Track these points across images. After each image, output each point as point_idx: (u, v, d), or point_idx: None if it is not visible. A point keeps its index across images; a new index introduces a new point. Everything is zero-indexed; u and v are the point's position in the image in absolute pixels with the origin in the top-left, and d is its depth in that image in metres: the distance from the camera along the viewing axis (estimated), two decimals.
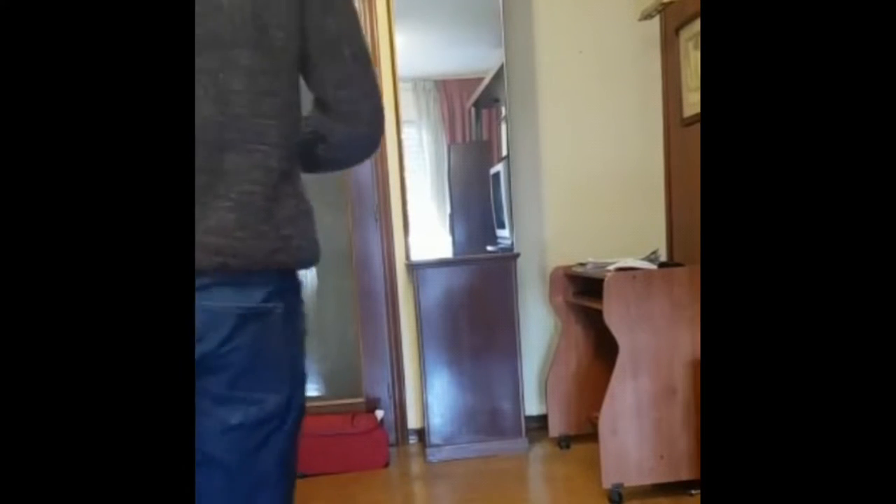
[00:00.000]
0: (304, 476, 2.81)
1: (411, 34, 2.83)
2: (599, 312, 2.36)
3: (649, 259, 2.56)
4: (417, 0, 2.78)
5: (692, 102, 2.85)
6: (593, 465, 2.45)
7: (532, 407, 3.09)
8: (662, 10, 2.94)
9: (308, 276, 3.23)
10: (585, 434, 2.89)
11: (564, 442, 2.96)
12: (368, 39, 3.02)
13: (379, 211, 3.09)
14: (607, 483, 2.32)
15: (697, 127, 2.79)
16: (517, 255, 2.79)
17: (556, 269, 2.94)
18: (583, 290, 2.85)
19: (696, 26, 2.76)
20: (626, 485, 2.32)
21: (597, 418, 2.34)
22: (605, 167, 3.15)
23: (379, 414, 2.98)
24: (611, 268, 2.45)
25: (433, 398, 2.87)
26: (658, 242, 3.12)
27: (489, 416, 2.75)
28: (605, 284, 2.31)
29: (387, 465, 2.89)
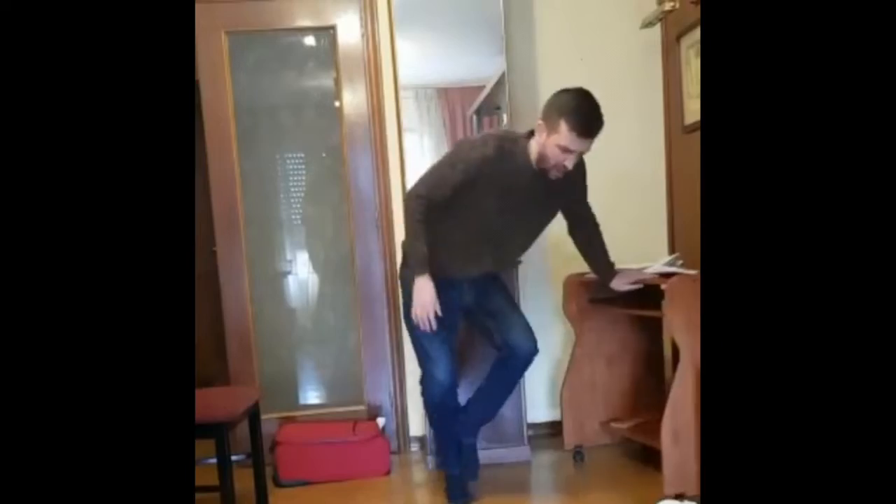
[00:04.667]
0: (306, 483, 2.81)
1: (413, 42, 2.84)
2: (617, 318, 2.33)
3: (671, 264, 2.53)
4: (419, 8, 2.79)
5: (693, 110, 2.85)
6: (596, 472, 2.44)
7: (535, 414, 3.09)
8: (664, 18, 2.95)
9: (309, 284, 3.23)
10: (601, 445, 2.90)
11: (579, 456, 2.86)
12: (370, 48, 3.03)
13: (380, 218, 3.10)
14: (669, 492, 2.31)
15: (699, 134, 2.78)
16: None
17: (570, 276, 2.88)
18: (602, 298, 2.79)
19: (698, 34, 2.77)
20: (687, 494, 2.31)
21: (615, 428, 2.31)
22: (606, 174, 3.14)
23: (380, 421, 2.97)
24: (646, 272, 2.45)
25: None
26: (660, 249, 3.12)
27: (491, 424, 2.73)
28: (668, 290, 2.29)
29: (388, 472, 2.88)
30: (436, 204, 2.21)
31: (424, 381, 2.46)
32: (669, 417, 2.31)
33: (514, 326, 2.43)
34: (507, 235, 2.31)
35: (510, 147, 2.20)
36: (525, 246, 2.44)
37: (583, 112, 2.11)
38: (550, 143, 2.12)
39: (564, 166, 2.14)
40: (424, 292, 2.22)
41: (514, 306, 2.53)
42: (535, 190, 2.23)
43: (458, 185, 2.17)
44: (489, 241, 2.29)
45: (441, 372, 2.37)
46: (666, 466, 2.31)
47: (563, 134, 2.09)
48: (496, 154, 2.16)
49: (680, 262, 2.58)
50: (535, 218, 2.36)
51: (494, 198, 2.19)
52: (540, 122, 2.15)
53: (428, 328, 2.24)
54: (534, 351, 2.45)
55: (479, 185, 2.16)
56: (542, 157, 2.16)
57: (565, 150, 2.10)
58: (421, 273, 2.22)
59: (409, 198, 2.26)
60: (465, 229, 2.26)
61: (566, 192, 2.33)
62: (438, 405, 2.46)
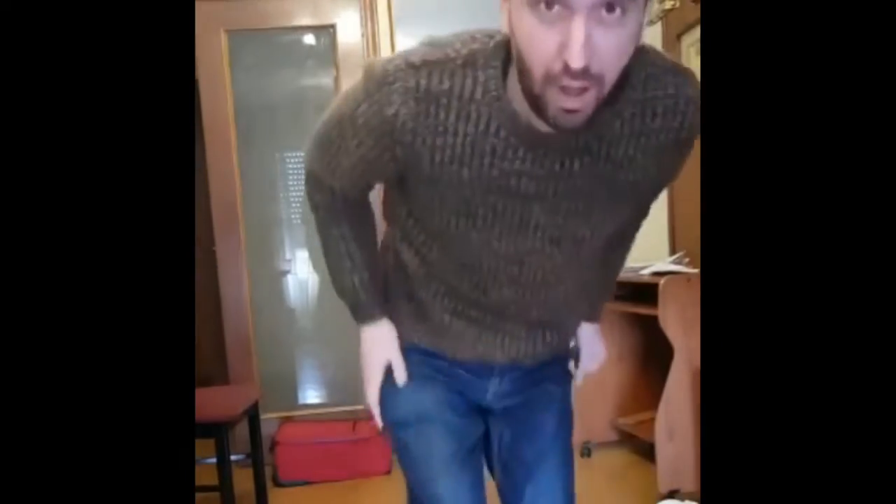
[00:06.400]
0: (306, 483, 2.81)
1: (413, 41, 2.83)
2: (624, 316, 2.33)
3: (676, 262, 2.53)
4: (419, 6, 2.79)
5: None
6: (599, 470, 2.44)
7: None
8: (664, 16, 2.95)
9: (309, 284, 3.23)
10: (610, 441, 2.91)
11: (586, 451, 2.90)
12: (370, 47, 3.02)
13: (382, 216, 3.09)
14: (663, 488, 2.31)
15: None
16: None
17: None
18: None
19: (698, 33, 2.76)
20: (682, 491, 2.31)
21: (621, 424, 2.32)
22: None
23: None
24: (645, 272, 2.44)
25: None
26: (660, 249, 3.11)
27: None
28: (661, 289, 2.30)
29: (388, 472, 2.88)
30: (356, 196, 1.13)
31: None
32: (664, 413, 2.31)
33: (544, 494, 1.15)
34: (503, 273, 1.03)
35: (444, 84, 0.92)
36: (567, 300, 1.12)
37: None
38: (517, 23, 0.80)
39: (565, 110, 0.78)
40: (375, 354, 1.17)
41: (563, 452, 1.19)
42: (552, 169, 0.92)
43: (366, 173, 1.06)
44: (471, 287, 1.06)
45: None
46: (660, 461, 2.31)
47: None
48: (416, 109, 0.92)
49: (686, 259, 2.58)
50: (573, 228, 0.99)
51: (456, 200, 0.96)
52: None
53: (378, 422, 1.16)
54: None
55: (410, 174, 0.99)
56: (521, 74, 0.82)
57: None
58: (364, 319, 1.21)
59: (306, 181, 1.15)
60: (423, 267, 1.14)
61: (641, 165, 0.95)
62: None
